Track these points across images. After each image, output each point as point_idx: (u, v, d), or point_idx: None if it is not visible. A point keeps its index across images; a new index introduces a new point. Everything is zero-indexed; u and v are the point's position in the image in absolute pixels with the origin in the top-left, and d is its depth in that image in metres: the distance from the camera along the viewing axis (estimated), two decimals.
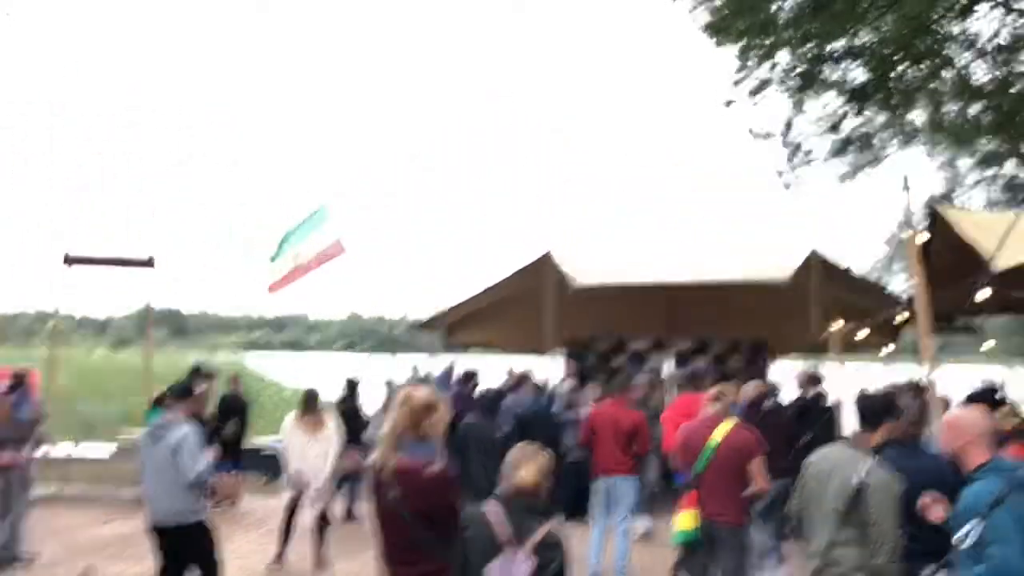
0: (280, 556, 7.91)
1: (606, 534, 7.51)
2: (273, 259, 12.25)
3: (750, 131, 18.06)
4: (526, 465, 3.35)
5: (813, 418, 8.36)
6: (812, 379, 8.89)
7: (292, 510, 7.89)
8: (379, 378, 13.30)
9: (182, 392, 5.66)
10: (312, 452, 7.73)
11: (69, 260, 11.97)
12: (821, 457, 4.29)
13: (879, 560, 3.83)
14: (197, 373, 6.57)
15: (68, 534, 8.98)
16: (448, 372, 12.67)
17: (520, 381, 10.39)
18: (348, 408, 9.98)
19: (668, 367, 12.70)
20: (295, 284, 12.01)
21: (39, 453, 8.40)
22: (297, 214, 12.20)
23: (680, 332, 13.65)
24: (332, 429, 7.94)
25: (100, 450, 12.44)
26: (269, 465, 10.84)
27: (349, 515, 9.85)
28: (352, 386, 10.40)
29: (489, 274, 12.42)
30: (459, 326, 15.62)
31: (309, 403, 7.98)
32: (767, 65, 16.59)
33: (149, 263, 11.96)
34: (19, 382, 9.97)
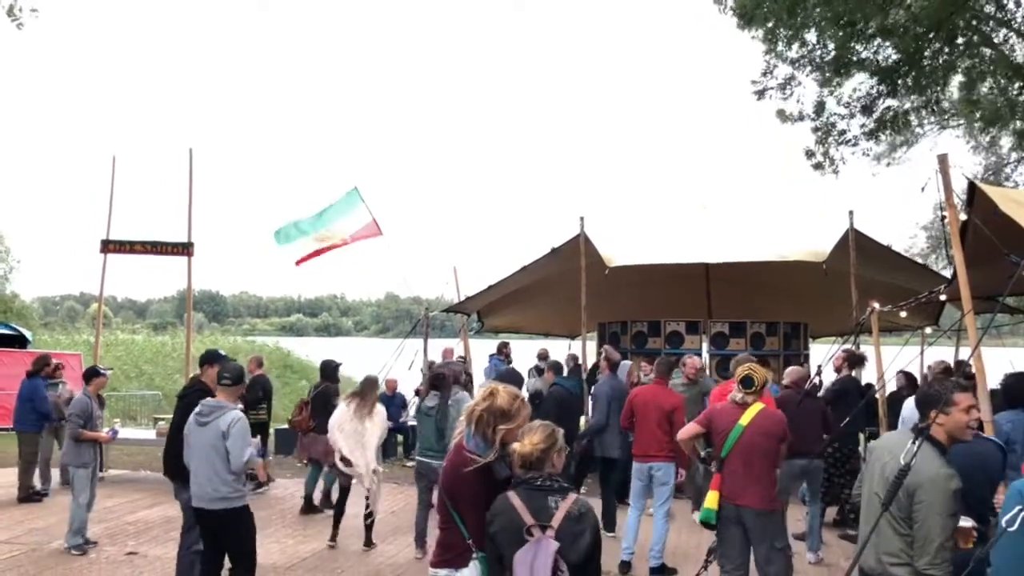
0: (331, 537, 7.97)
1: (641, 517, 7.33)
2: (298, 234, 12.10)
3: (779, 113, 17.65)
4: (528, 436, 3.20)
5: (851, 400, 8.09)
6: (853, 360, 8.57)
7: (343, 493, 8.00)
8: (411, 361, 13.25)
9: (239, 376, 5.41)
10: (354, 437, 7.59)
11: (106, 247, 11.91)
12: (880, 441, 4.01)
13: (921, 562, 3.44)
14: (215, 357, 6.26)
15: (111, 517, 8.92)
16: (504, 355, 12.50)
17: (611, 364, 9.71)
18: (323, 392, 9.48)
19: (705, 349, 12.39)
20: (330, 262, 11.98)
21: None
22: (328, 198, 12.09)
23: (717, 315, 13.38)
24: (378, 416, 7.68)
25: (141, 433, 12.42)
26: None
27: (328, 498, 9.30)
28: (326, 368, 9.78)
29: (521, 258, 12.16)
30: (491, 309, 15.42)
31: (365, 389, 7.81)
32: (795, 47, 16.20)
33: (187, 249, 11.85)
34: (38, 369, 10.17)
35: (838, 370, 8.61)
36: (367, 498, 7.70)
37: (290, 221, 12.12)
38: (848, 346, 8.83)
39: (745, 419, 5.18)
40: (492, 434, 3.31)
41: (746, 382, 5.29)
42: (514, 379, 6.86)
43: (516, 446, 3.19)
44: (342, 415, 7.62)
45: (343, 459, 7.47)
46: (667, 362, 7.46)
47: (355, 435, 7.51)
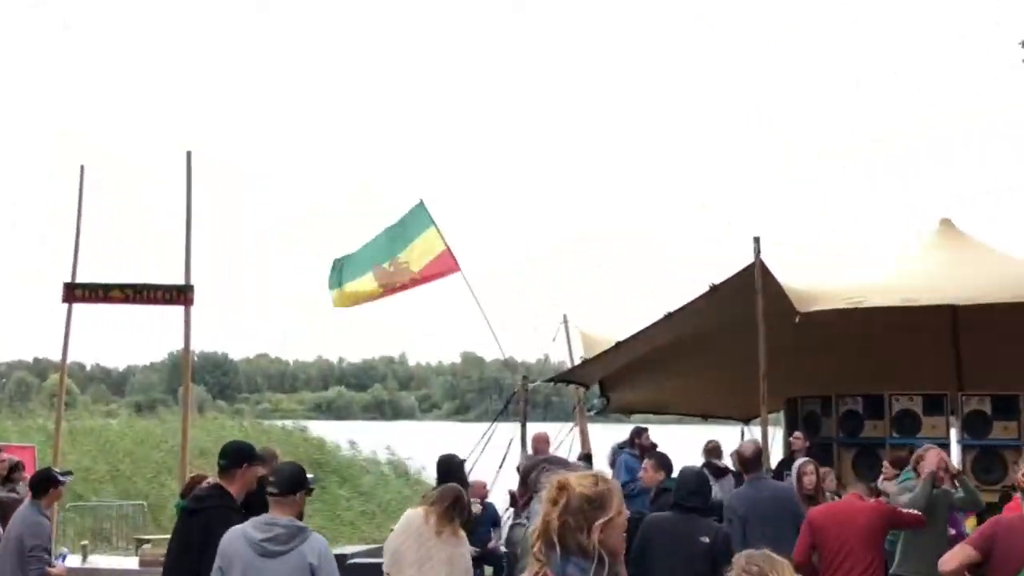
0: None
1: None
2: (352, 271, 12.53)
3: None
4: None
5: None
6: None
7: None
8: (503, 455, 13.27)
9: (292, 483, 5.51)
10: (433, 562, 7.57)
11: (71, 294, 12.14)
12: None
13: None
14: (250, 454, 6.41)
15: None
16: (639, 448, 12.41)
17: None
18: None
19: (954, 438, 12.01)
20: (385, 308, 12.46)
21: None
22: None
23: (972, 385, 13.06)
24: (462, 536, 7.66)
25: (118, 561, 12.66)
26: None
27: None
28: (451, 467, 9.61)
29: (663, 302, 12.06)
30: (620, 379, 15.33)
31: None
32: None
33: (184, 295, 12.08)
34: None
35: None
36: None
37: (341, 257, 12.61)
38: None
39: None
40: (589, 539, 3.26)
41: None
42: (701, 484, 6.82)
43: None
44: (415, 527, 7.61)
45: None
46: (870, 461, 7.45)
47: (418, 561, 7.49)
